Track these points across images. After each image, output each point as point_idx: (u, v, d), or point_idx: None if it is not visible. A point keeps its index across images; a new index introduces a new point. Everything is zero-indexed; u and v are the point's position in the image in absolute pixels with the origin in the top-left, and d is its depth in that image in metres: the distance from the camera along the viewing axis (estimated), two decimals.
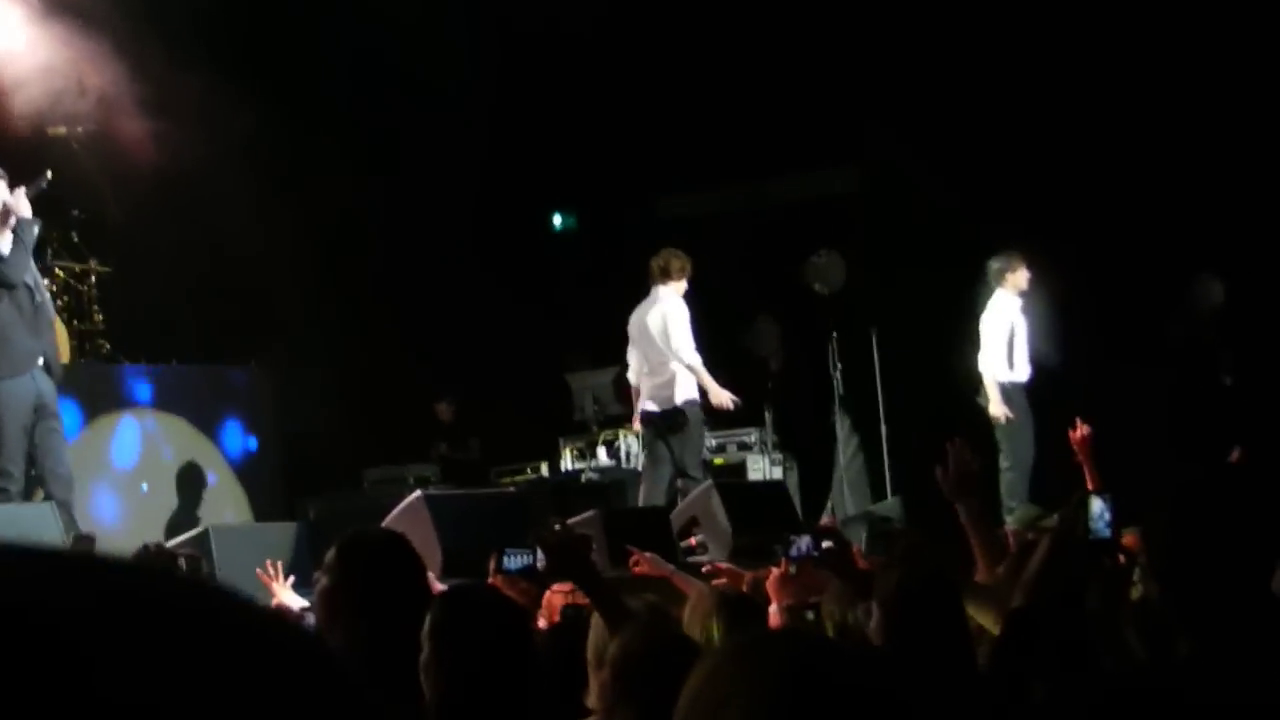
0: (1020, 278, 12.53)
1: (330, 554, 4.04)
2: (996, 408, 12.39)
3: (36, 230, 9.53)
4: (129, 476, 11.91)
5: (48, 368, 9.60)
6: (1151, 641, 4.08)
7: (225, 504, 12.30)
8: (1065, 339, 12.87)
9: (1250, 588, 3.00)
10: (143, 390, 12.12)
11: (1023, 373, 12.56)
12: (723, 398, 11.94)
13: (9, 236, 9.32)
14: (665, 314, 11.88)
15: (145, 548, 8.17)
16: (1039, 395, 12.52)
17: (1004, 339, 12.49)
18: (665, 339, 11.85)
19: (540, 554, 5.39)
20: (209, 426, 12.56)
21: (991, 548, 5.48)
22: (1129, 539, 6.74)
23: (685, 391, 11.94)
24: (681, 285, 11.94)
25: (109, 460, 11.83)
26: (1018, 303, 12.54)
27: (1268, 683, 2.89)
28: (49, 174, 10.12)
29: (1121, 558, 4.53)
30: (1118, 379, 12.89)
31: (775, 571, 5.80)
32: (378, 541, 4.29)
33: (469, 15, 14.70)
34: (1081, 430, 7.39)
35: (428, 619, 3.73)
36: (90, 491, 11.15)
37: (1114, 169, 13.81)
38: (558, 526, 5.66)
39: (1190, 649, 3.08)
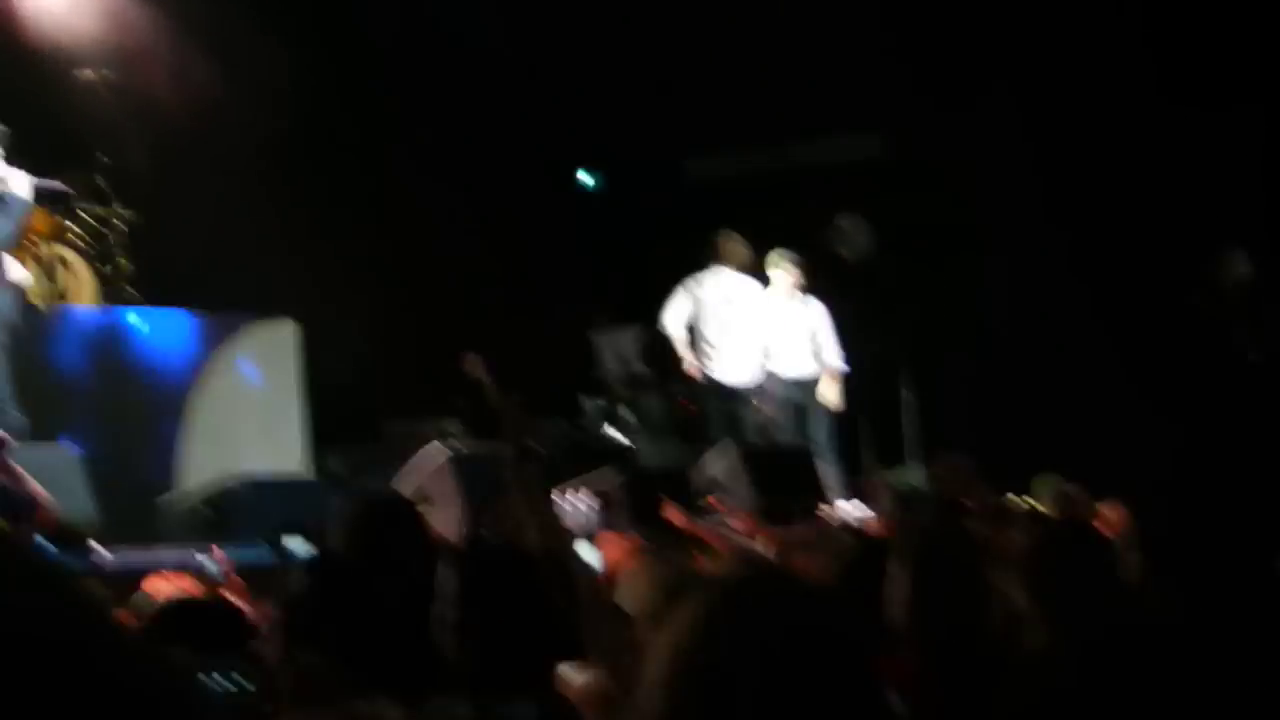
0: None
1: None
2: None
3: (20, 215, 9.11)
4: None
5: None
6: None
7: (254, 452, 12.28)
8: (1083, 314, 12.84)
9: (1252, 566, 2.99)
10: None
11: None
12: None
13: None
14: None
15: None
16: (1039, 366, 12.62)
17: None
18: None
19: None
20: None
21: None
22: (1108, 515, 6.79)
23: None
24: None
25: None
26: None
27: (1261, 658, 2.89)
28: (70, 192, 10.28)
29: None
30: (1133, 353, 12.84)
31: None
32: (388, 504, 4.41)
33: None
34: None
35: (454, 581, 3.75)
36: None
37: (1137, 138, 13.72)
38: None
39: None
